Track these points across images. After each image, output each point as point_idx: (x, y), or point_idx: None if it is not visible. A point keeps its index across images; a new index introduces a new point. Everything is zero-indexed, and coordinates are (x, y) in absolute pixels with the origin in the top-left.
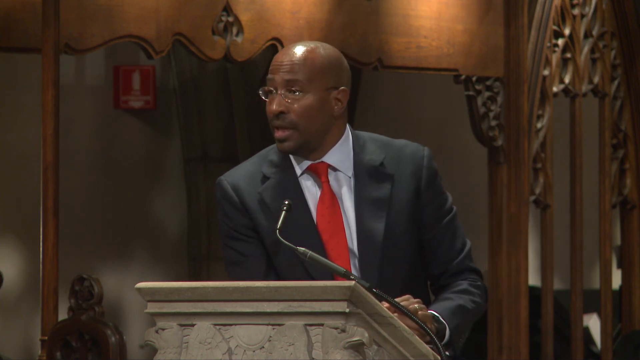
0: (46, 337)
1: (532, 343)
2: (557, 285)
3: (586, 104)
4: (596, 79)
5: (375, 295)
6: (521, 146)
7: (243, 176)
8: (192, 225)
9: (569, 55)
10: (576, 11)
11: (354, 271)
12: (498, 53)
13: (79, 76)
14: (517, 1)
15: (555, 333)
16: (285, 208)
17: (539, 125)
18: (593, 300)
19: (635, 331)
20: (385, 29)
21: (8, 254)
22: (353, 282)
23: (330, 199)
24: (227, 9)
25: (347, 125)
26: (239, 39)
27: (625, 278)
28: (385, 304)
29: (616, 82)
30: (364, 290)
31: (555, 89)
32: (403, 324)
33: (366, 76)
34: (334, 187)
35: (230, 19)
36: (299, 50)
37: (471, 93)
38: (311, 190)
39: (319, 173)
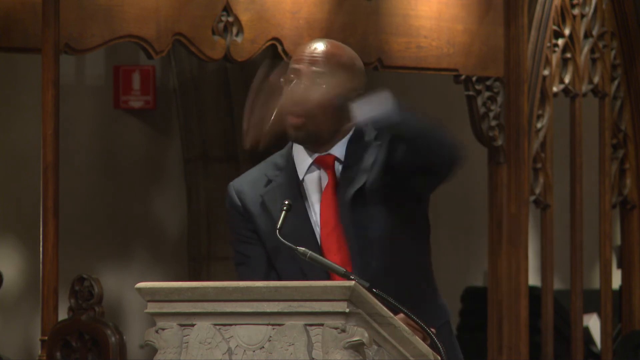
0: (46, 337)
1: (532, 343)
2: (557, 285)
3: (586, 104)
4: (596, 79)
5: (375, 295)
6: (521, 146)
7: (248, 181)
8: (192, 225)
9: (569, 55)
10: (576, 11)
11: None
12: (498, 53)
13: (79, 76)
14: (517, 1)
15: (555, 333)
16: (285, 208)
17: (539, 125)
18: (593, 300)
19: (635, 331)
20: (385, 29)
21: (8, 254)
22: (353, 282)
23: (335, 191)
24: (227, 9)
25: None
26: (239, 39)
27: (625, 278)
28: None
29: (616, 82)
30: (364, 290)
31: (555, 89)
32: (403, 324)
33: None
34: (339, 179)
35: (230, 19)
36: (327, 45)
37: (471, 93)
38: (316, 185)
39: (326, 166)
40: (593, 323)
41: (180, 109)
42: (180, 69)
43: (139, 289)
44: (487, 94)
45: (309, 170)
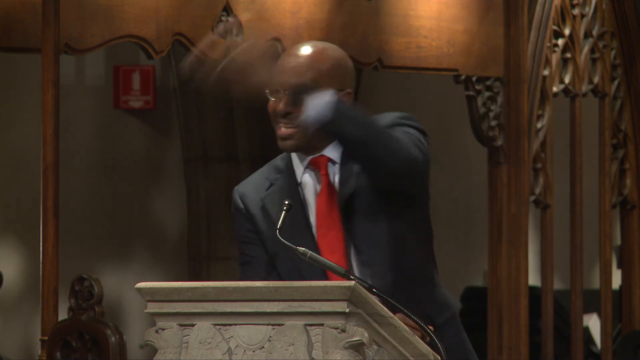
0: (46, 337)
1: (532, 343)
2: (557, 285)
3: (586, 104)
4: (596, 79)
5: (376, 295)
6: (521, 146)
7: (251, 184)
8: (192, 225)
9: (569, 55)
10: (576, 11)
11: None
12: (498, 53)
13: (79, 76)
14: (517, 1)
15: (555, 333)
16: (285, 208)
17: (539, 125)
18: (593, 300)
19: (635, 331)
20: (385, 29)
21: (8, 254)
22: (353, 282)
23: (329, 193)
24: (227, 9)
25: None
26: (239, 39)
27: (625, 278)
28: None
29: (616, 82)
30: (364, 290)
31: (555, 89)
32: (403, 324)
33: (366, 76)
34: (333, 180)
35: (230, 19)
36: (306, 51)
37: (471, 93)
38: (312, 186)
39: (319, 167)
40: (593, 323)
41: (180, 109)
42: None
43: (139, 289)
44: (487, 94)
45: (305, 173)
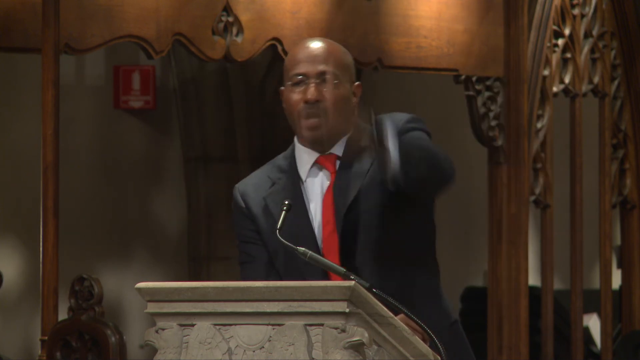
0: (46, 337)
1: (532, 343)
2: (557, 285)
3: (586, 104)
4: (596, 79)
5: (376, 295)
6: (521, 146)
7: (252, 183)
8: (192, 225)
9: (569, 55)
10: (576, 11)
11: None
12: (498, 53)
13: (79, 76)
14: (517, 1)
15: (555, 333)
16: (285, 208)
17: (539, 125)
18: (593, 300)
19: (635, 331)
20: (385, 29)
21: (8, 254)
22: (353, 282)
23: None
24: (227, 9)
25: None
26: (239, 39)
27: (625, 278)
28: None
29: (616, 82)
30: (364, 290)
31: (555, 89)
32: (403, 324)
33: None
34: None
35: (230, 19)
36: (322, 44)
37: (471, 93)
38: (318, 185)
39: (328, 165)
40: (593, 323)
41: (180, 109)
42: (180, 69)
43: (139, 289)
44: (487, 94)
45: (311, 171)
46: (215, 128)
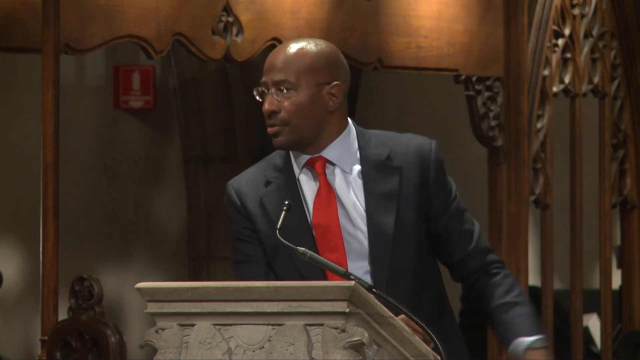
0: (46, 337)
1: None
2: (557, 285)
3: (586, 104)
4: (596, 79)
5: (376, 295)
6: (521, 146)
7: (247, 180)
8: (192, 225)
9: (569, 55)
10: (576, 11)
11: (362, 267)
12: (498, 53)
13: (79, 76)
14: (517, 1)
15: (555, 333)
16: (285, 208)
17: (539, 125)
18: (593, 300)
19: (635, 331)
20: (385, 29)
21: (8, 254)
22: (353, 282)
23: (327, 193)
24: (227, 9)
25: (351, 122)
26: (239, 39)
27: (625, 278)
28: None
29: (616, 82)
30: (364, 290)
31: (555, 89)
32: (403, 324)
33: (366, 76)
34: (332, 181)
35: (230, 19)
36: (288, 49)
37: (471, 93)
38: (310, 185)
39: (317, 167)
40: (593, 323)
41: (180, 109)
42: (180, 69)
43: (139, 289)
44: (487, 94)
45: (302, 171)
46: (215, 128)
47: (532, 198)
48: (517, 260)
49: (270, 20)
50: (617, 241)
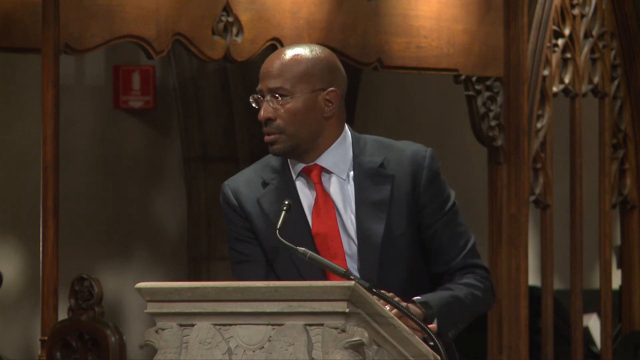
0: (46, 337)
1: (532, 343)
2: (557, 285)
3: (586, 104)
4: (596, 79)
5: (375, 295)
6: (521, 146)
7: (244, 181)
8: (192, 225)
9: (569, 55)
10: (576, 11)
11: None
12: (498, 53)
13: (79, 76)
14: (517, 1)
15: (555, 333)
16: (285, 208)
17: (539, 125)
18: (593, 300)
19: (635, 331)
20: (385, 29)
21: (8, 254)
22: (353, 282)
23: (324, 201)
24: (227, 9)
25: (347, 127)
26: (239, 39)
27: (625, 278)
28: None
29: (616, 82)
30: (364, 290)
31: (555, 89)
32: (403, 324)
33: (366, 76)
34: (328, 189)
35: (230, 19)
36: (283, 55)
37: (471, 93)
38: (306, 193)
39: (312, 176)
40: (593, 323)
41: (180, 109)
42: (180, 69)
43: (139, 289)
44: (487, 94)
45: (298, 178)
46: (215, 128)
47: (532, 198)
48: (517, 260)
49: (270, 20)
50: (617, 241)
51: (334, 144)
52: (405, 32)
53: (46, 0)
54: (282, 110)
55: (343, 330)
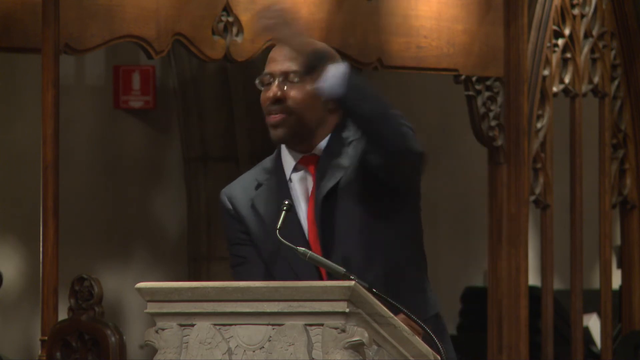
0: (46, 337)
1: (532, 343)
2: (557, 285)
3: (586, 104)
4: (596, 79)
5: (375, 295)
6: (521, 146)
7: (239, 186)
8: (192, 225)
9: (569, 55)
10: (576, 11)
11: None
12: (498, 53)
13: (79, 76)
14: (517, 1)
15: (555, 333)
16: (285, 208)
17: (539, 125)
18: (593, 300)
19: (635, 331)
20: (385, 29)
21: (8, 254)
22: (353, 282)
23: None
24: (227, 9)
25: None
26: (239, 39)
27: (625, 278)
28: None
29: (616, 82)
30: (363, 290)
31: (555, 89)
32: (403, 324)
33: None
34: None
35: (230, 19)
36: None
37: (471, 93)
38: (302, 184)
39: (309, 166)
40: (593, 323)
41: (180, 109)
42: (180, 69)
43: (139, 289)
44: (487, 94)
45: (294, 170)
46: (215, 128)
47: (532, 198)
48: (517, 260)
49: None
50: (617, 241)
51: (329, 135)
52: (405, 32)
53: (46, 0)
54: (293, 92)
55: (343, 330)
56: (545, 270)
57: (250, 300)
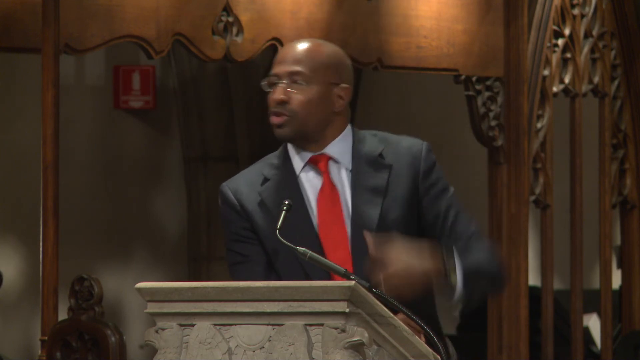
0: (46, 337)
1: (532, 343)
2: (557, 285)
3: (586, 104)
4: (596, 79)
5: (375, 295)
6: (521, 146)
7: (244, 180)
8: (192, 225)
9: (569, 55)
10: (576, 11)
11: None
12: (498, 53)
13: (79, 76)
14: (517, 1)
15: (555, 333)
16: (285, 208)
17: (539, 125)
18: (593, 300)
19: (635, 331)
20: (385, 29)
21: (8, 254)
22: (353, 282)
23: (330, 190)
24: (227, 9)
25: (350, 124)
26: (239, 39)
27: (625, 278)
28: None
29: (616, 82)
30: (364, 290)
31: (555, 89)
32: (403, 324)
33: (366, 76)
34: (335, 178)
35: (230, 19)
36: (304, 44)
37: (471, 93)
38: (312, 183)
39: (320, 164)
40: (593, 323)
41: (180, 109)
42: (180, 69)
43: (139, 289)
44: (487, 94)
45: (304, 169)
46: (215, 128)
47: (532, 198)
48: (517, 260)
49: (270, 20)
50: (617, 241)
51: (340, 136)
52: (405, 32)
53: (46, 0)
54: (297, 95)
55: (343, 330)
56: (545, 270)
57: (250, 300)
